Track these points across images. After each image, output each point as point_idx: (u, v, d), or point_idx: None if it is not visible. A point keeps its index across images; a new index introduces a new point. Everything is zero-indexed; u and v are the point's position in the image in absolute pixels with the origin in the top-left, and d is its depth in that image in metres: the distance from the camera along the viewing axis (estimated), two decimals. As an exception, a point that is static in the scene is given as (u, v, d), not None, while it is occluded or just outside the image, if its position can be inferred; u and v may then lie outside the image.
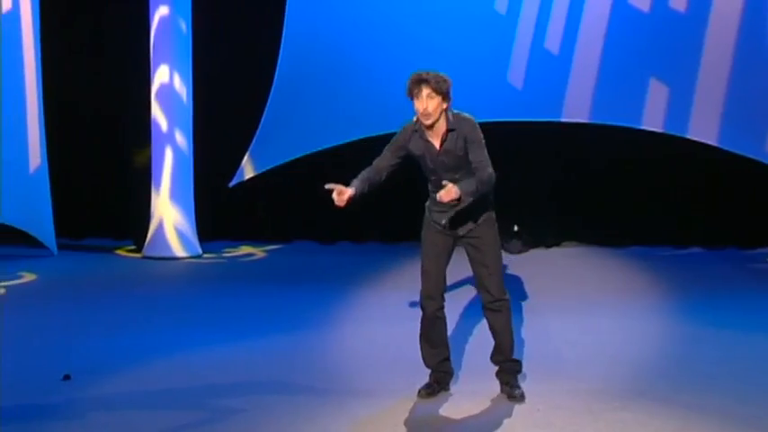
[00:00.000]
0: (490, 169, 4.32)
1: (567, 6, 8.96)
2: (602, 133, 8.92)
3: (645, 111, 8.92)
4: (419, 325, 4.60)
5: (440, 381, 4.61)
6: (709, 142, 8.87)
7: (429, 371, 4.61)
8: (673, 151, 8.94)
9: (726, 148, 8.83)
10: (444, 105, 4.35)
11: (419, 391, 4.56)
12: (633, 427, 4.14)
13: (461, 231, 4.49)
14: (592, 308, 6.54)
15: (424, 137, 4.40)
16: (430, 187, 4.55)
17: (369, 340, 5.78)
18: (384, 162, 4.52)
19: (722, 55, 8.80)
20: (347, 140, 9.23)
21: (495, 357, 4.61)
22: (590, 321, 6.13)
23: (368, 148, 9.12)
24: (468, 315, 5.99)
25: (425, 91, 4.32)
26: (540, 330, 5.76)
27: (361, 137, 9.21)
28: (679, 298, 6.91)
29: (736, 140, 8.83)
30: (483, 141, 4.37)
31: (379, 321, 6.26)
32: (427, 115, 4.31)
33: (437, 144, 4.39)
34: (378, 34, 9.26)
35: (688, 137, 8.90)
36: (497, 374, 4.62)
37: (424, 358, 4.61)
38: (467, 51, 9.09)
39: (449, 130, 4.36)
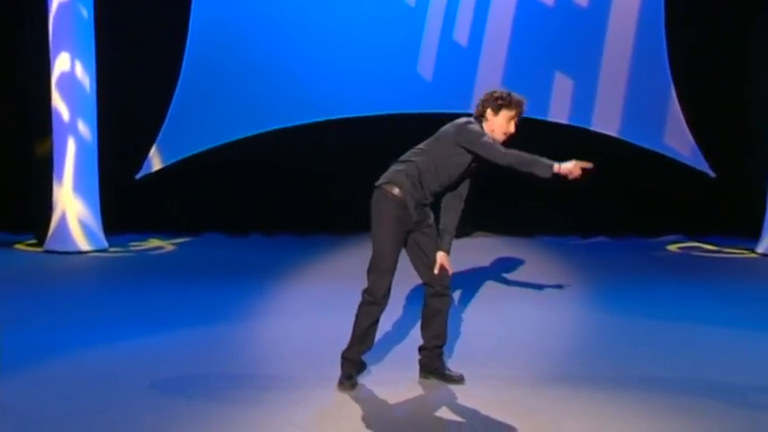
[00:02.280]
0: None
1: (474, -1, 9.09)
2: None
3: (551, 103, 9.14)
4: (354, 316, 4.54)
5: (358, 371, 4.63)
6: (611, 134, 9.16)
7: (342, 360, 4.59)
8: (577, 144, 9.18)
9: (627, 140, 9.13)
10: None
11: (342, 383, 4.54)
12: (541, 412, 4.24)
13: (424, 223, 4.59)
14: (502, 297, 6.66)
15: None
16: (435, 183, 4.57)
17: (281, 333, 5.74)
18: None
19: (622, 49, 9.10)
20: (257, 132, 9.16)
21: (433, 342, 4.65)
22: (501, 310, 6.24)
23: (277, 140, 9.16)
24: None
25: (517, 118, 4.57)
26: (450, 319, 5.81)
27: (271, 128, 9.15)
28: (586, 286, 7.10)
29: (637, 133, 9.15)
30: None
31: (293, 313, 6.23)
32: (509, 138, 4.58)
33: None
34: (287, 25, 9.19)
35: (591, 128, 9.17)
36: (429, 361, 4.66)
37: (350, 350, 4.56)
38: (376, 43, 9.13)
39: None
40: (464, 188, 4.69)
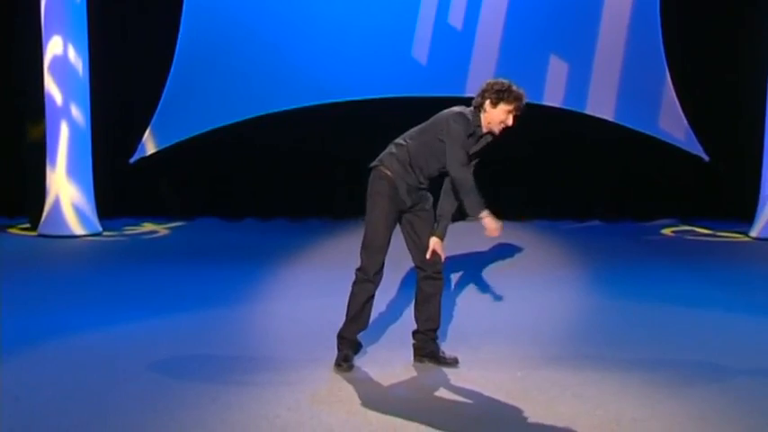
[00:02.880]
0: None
1: (469, -18, 9.06)
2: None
3: (545, 87, 9.13)
4: (347, 298, 4.58)
5: (355, 351, 4.66)
6: (606, 118, 9.16)
7: (339, 341, 4.61)
8: (572, 127, 9.19)
9: (621, 124, 9.13)
10: None
11: (339, 364, 4.57)
12: (534, 395, 4.26)
13: (419, 206, 4.61)
14: (496, 280, 6.66)
15: (476, 135, 4.58)
16: (427, 167, 4.56)
17: (277, 317, 5.74)
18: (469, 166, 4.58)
19: (617, 33, 9.08)
20: (251, 116, 9.13)
21: (426, 325, 4.67)
22: (494, 294, 6.25)
23: (272, 124, 9.14)
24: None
25: (516, 112, 4.50)
26: (444, 303, 5.81)
27: (265, 112, 9.13)
28: (580, 270, 7.13)
29: (631, 116, 9.15)
30: None
31: (287, 297, 6.24)
32: (503, 130, 4.53)
33: (477, 147, 4.61)
34: (281, 8, 9.15)
35: (586, 112, 9.16)
36: (423, 344, 4.69)
37: (345, 330, 4.60)
38: (371, 26, 9.09)
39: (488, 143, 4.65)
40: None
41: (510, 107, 4.49)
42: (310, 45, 9.12)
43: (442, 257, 4.61)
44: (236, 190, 9.57)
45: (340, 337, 4.63)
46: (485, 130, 4.55)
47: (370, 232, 4.52)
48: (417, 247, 4.61)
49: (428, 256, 4.57)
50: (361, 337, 4.71)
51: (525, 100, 4.52)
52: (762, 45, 8.75)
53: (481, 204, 4.44)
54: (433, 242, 4.57)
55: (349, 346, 4.63)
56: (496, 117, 4.51)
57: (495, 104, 4.49)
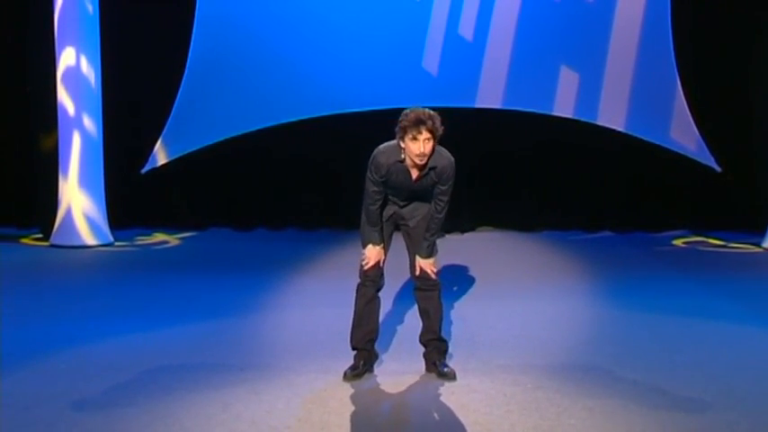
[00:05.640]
0: (445, 212, 4.57)
1: (480, -7, 9.08)
2: (515, 120, 9.08)
3: (556, 97, 9.13)
4: (352, 306, 4.66)
5: (366, 361, 4.66)
6: (617, 128, 9.14)
7: (353, 353, 4.66)
8: (583, 138, 9.18)
9: (632, 134, 9.12)
10: (434, 145, 4.42)
11: (345, 373, 4.60)
12: (545, 406, 4.24)
13: (411, 223, 4.65)
14: (507, 291, 6.66)
15: (405, 167, 4.49)
16: (392, 195, 4.64)
17: (286, 326, 5.75)
18: (378, 204, 4.58)
19: (628, 44, 9.08)
20: (261, 126, 9.17)
21: (424, 337, 4.73)
22: (505, 305, 6.24)
23: (283, 134, 9.17)
24: (395, 300, 6.02)
25: (425, 134, 4.33)
26: (455, 314, 5.84)
27: (276, 123, 9.16)
28: (590, 281, 7.11)
29: (643, 127, 9.13)
30: (453, 184, 4.56)
31: (297, 307, 6.25)
32: (423, 157, 4.39)
33: (414, 176, 4.51)
34: (292, 19, 9.19)
35: (597, 123, 9.15)
36: (425, 355, 4.73)
37: (353, 338, 4.66)
38: (381, 37, 9.12)
39: (430, 168, 4.47)
40: (440, 204, 4.57)
41: (410, 135, 4.33)
42: (321, 56, 9.16)
43: (431, 276, 4.64)
44: (248, 200, 9.61)
45: (353, 347, 4.66)
46: (410, 162, 4.42)
47: (363, 239, 4.64)
48: (411, 260, 4.71)
49: (417, 273, 4.65)
50: (377, 347, 4.74)
51: (424, 119, 4.30)
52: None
53: (368, 236, 4.55)
54: (419, 262, 4.63)
55: (360, 356, 4.65)
56: (410, 151, 4.38)
57: (402, 140, 4.39)
